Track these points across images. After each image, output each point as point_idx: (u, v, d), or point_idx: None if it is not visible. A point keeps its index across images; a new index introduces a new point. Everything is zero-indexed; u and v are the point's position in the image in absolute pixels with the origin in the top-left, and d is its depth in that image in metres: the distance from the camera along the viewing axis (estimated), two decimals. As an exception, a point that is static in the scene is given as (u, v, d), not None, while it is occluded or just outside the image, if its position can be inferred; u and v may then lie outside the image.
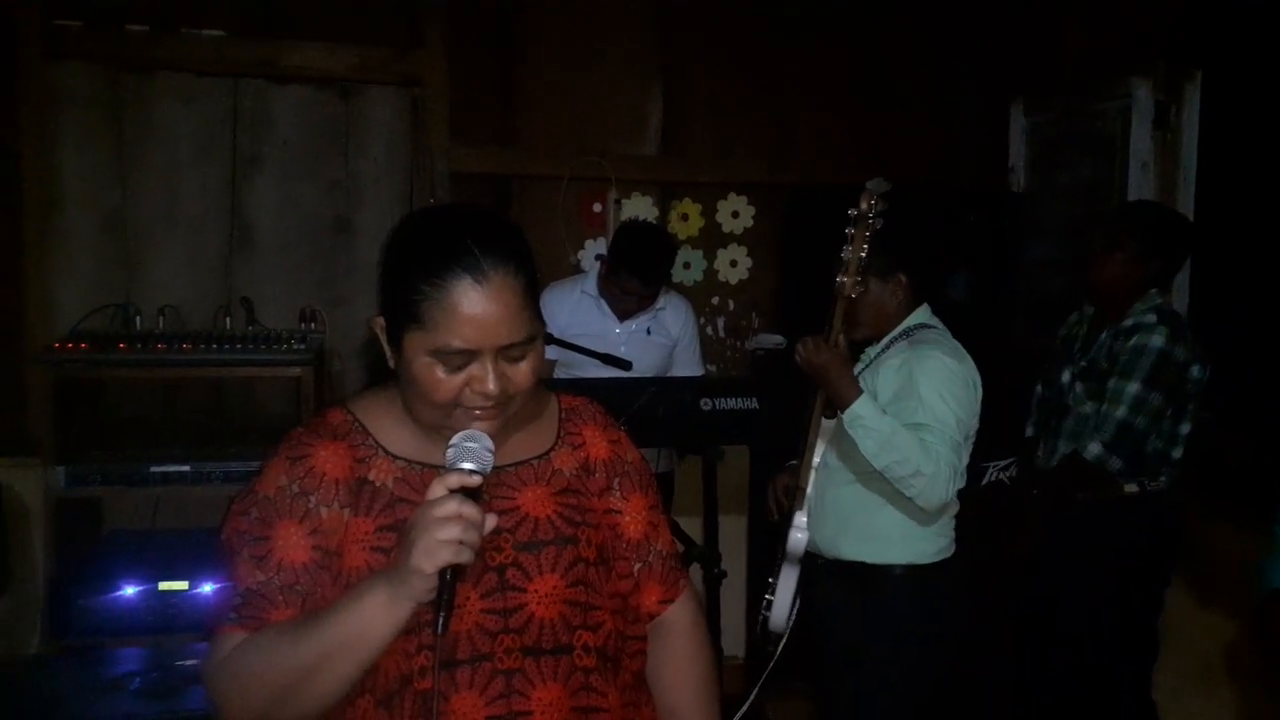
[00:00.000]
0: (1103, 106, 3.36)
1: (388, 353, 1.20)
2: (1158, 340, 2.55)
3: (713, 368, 3.78)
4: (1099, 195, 3.36)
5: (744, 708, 2.39)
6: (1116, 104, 3.29)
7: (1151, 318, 2.60)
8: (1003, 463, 3.04)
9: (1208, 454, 2.88)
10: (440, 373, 1.14)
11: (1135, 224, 2.67)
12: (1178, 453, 2.63)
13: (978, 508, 2.54)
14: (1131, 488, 2.63)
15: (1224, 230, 3.18)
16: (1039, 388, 2.91)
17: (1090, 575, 2.65)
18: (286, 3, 3.35)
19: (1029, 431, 2.92)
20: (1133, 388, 2.54)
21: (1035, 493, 2.74)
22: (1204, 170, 3.22)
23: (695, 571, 2.81)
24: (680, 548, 2.77)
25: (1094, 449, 2.58)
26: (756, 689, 2.36)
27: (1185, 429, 2.62)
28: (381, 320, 1.20)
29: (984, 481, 3.05)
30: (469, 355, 1.13)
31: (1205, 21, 3.08)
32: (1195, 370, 2.58)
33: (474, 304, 1.11)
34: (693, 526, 2.84)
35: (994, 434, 2.77)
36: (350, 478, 1.20)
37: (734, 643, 2.98)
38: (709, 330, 3.84)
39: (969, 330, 2.38)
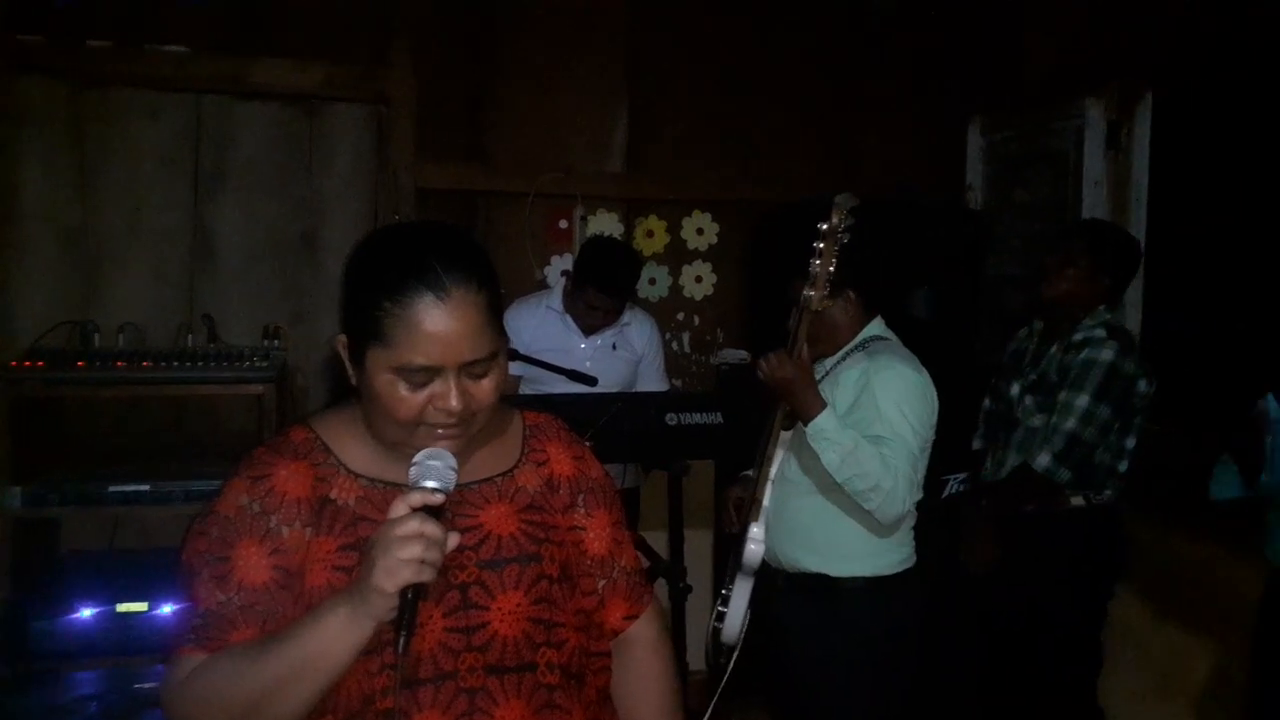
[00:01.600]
0: (1057, 126, 3.43)
1: (350, 370, 1.20)
2: (1107, 354, 2.60)
3: (678, 383, 3.80)
4: (1055, 212, 3.43)
5: (704, 721, 2.39)
6: (1070, 124, 3.37)
7: (1101, 332, 2.66)
8: (962, 475, 3.08)
9: (1161, 467, 2.94)
10: (403, 390, 1.14)
11: (1086, 242, 2.73)
12: (1124, 466, 2.69)
13: (939, 520, 2.58)
14: (1078, 500, 2.68)
15: (1174, 248, 3.26)
16: (987, 401, 2.96)
17: (1035, 586, 2.69)
18: (252, 19, 3.33)
19: (976, 444, 2.96)
20: (1082, 400, 2.59)
21: (983, 504, 2.78)
22: (1154, 189, 3.30)
23: (661, 586, 2.82)
24: (646, 563, 2.80)
25: (1043, 460, 2.62)
26: (714, 703, 2.36)
27: (1131, 443, 2.67)
28: (343, 337, 1.20)
29: (945, 494, 3.09)
30: (431, 372, 1.14)
31: (1155, 44, 3.16)
32: (1142, 385, 2.64)
33: (436, 321, 1.12)
34: (659, 541, 2.84)
35: (956, 447, 2.82)
36: (312, 496, 1.19)
37: (699, 657, 2.98)
38: (674, 346, 3.86)
39: (931, 345, 2.41)
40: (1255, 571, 2.35)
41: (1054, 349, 2.73)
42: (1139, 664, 3.00)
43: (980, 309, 3.80)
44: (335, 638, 1.07)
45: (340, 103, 3.45)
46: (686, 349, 3.90)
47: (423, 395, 1.15)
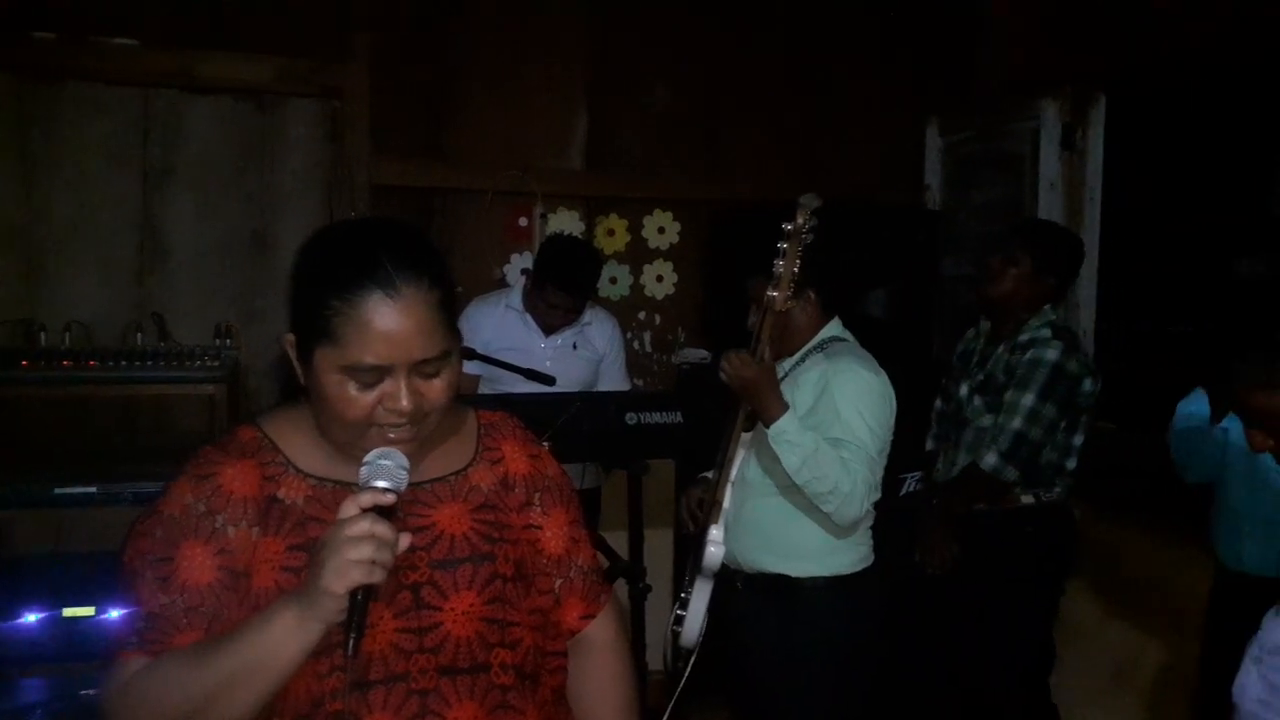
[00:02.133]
0: (1013, 128, 3.48)
1: (298, 369, 1.18)
2: (1052, 354, 2.63)
3: (639, 382, 3.79)
4: (1011, 213, 3.47)
5: (662, 722, 2.38)
6: (1026, 125, 3.41)
7: (1046, 332, 2.69)
8: (918, 474, 3.11)
9: (1112, 465, 2.98)
10: (352, 390, 1.12)
11: (1028, 241, 2.76)
12: (1071, 464, 2.72)
13: (897, 518, 2.60)
14: (1027, 498, 2.71)
15: (1127, 248, 3.31)
16: (938, 401, 2.98)
17: (988, 584, 2.71)
18: (202, 12, 3.28)
19: (929, 445, 2.99)
20: (1028, 400, 2.62)
21: (935, 503, 2.81)
22: (1108, 189, 3.36)
23: (620, 586, 2.81)
24: (605, 563, 2.79)
25: (990, 459, 2.65)
26: (672, 703, 2.36)
27: (1078, 441, 2.71)
28: (291, 336, 1.17)
29: (902, 492, 3.11)
30: (381, 372, 1.12)
31: (1108, 48, 3.21)
32: (1087, 384, 2.67)
33: (386, 319, 1.10)
34: (619, 541, 2.83)
35: (912, 445, 2.84)
36: (259, 496, 1.17)
37: (659, 658, 2.98)
38: (635, 345, 3.85)
39: (889, 345, 2.43)
40: (1203, 569, 2.40)
41: (1001, 349, 2.76)
42: (1090, 661, 3.04)
43: (937, 308, 3.84)
44: (283, 640, 1.05)
45: (294, 97, 3.41)
46: (648, 348, 3.90)
47: (373, 395, 1.13)
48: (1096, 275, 3.29)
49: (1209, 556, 2.37)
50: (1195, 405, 2.31)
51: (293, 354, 1.18)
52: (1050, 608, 2.80)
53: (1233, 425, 2.16)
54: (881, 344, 2.41)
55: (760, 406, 2.17)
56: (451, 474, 1.26)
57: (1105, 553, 3.04)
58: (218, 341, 3.14)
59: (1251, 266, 2.06)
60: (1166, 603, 2.85)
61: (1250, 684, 1.54)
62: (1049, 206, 3.33)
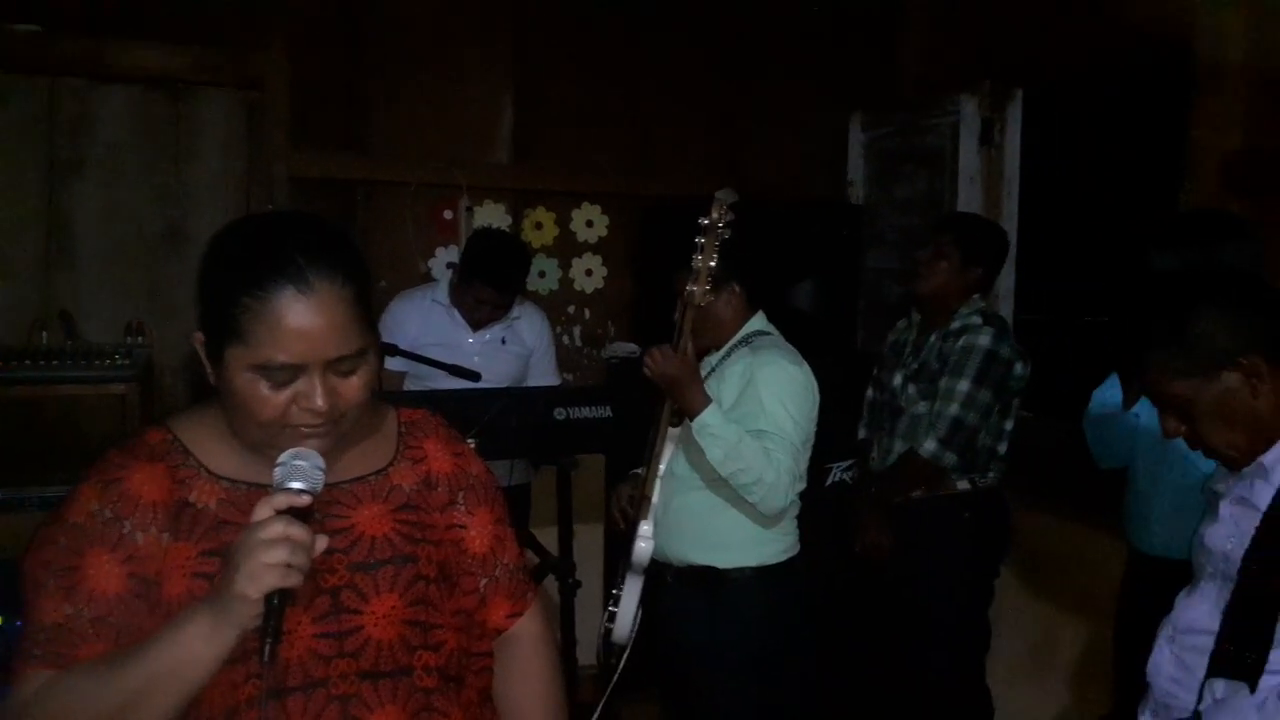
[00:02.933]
0: (934, 123, 3.54)
1: (208, 369, 1.14)
2: (984, 340, 2.69)
3: (569, 377, 3.77)
4: (932, 207, 3.54)
5: (594, 718, 2.38)
6: (946, 120, 3.48)
7: (977, 319, 2.75)
8: (845, 463, 3.15)
9: (1031, 451, 3.06)
10: (264, 389, 1.09)
11: (955, 235, 2.82)
12: (1004, 448, 2.79)
13: (823, 507, 2.63)
14: (963, 484, 2.76)
15: (1044, 240, 3.40)
16: (870, 391, 3.03)
17: (925, 569, 2.77)
18: (112, -3, 3.16)
19: (861, 434, 3.03)
20: (963, 385, 2.68)
21: (872, 491, 2.85)
22: (1026, 183, 3.44)
23: (550, 582, 2.80)
24: (535, 559, 2.77)
25: (929, 446, 2.70)
26: (604, 699, 2.36)
27: (1010, 425, 2.78)
28: (201, 335, 1.14)
29: (828, 482, 3.16)
30: (295, 370, 1.09)
31: (1025, 44, 3.29)
32: (1018, 368, 2.74)
33: (298, 316, 1.07)
34: (550, 537, 2.82)
35: (837, 436, 2.88)
36: (169, 500, 1.13)
37: (590, 653, 2.97)
38: (565, 339, 3.84)
39: (813, 337, 2.46)
40: (1117, 552, 2.47)
41: (933, 338, 2.81)
42: (1016, 641, 3.12)
43: (861, 301, 3.90)
44: (196, 648, 1.02)
45: (209, 87, 3.31)
46: (577, 342, 3.88)
47: (286, 394, 1.10)
48: (1014, 267, 3.37)
49: (1123, 540, 2.45)
50: (1110, 391, 2.38)
51: (202, 353, 1.14)
52: (987, 591, 2.86)
53: (1143, 411, 2.23)
54: (807, 336, 2.44)
55: (684, 400, 2.18)
56: (371, 474, 1.23)
57: (1025, 537, 3.12)
58: (129, 339, 3.03)
59: (1162, 260, 2.13)
60: (1083, 585, 2.94)
61: (1163, 663, 1.59)
62: (969, 200, 3.40)
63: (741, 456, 2.14)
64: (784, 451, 2.18)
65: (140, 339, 3.04)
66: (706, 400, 2.17)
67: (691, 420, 2.18)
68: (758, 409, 2.21)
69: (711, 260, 2.17)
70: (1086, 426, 2.45)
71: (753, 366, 2.27)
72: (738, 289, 2.35)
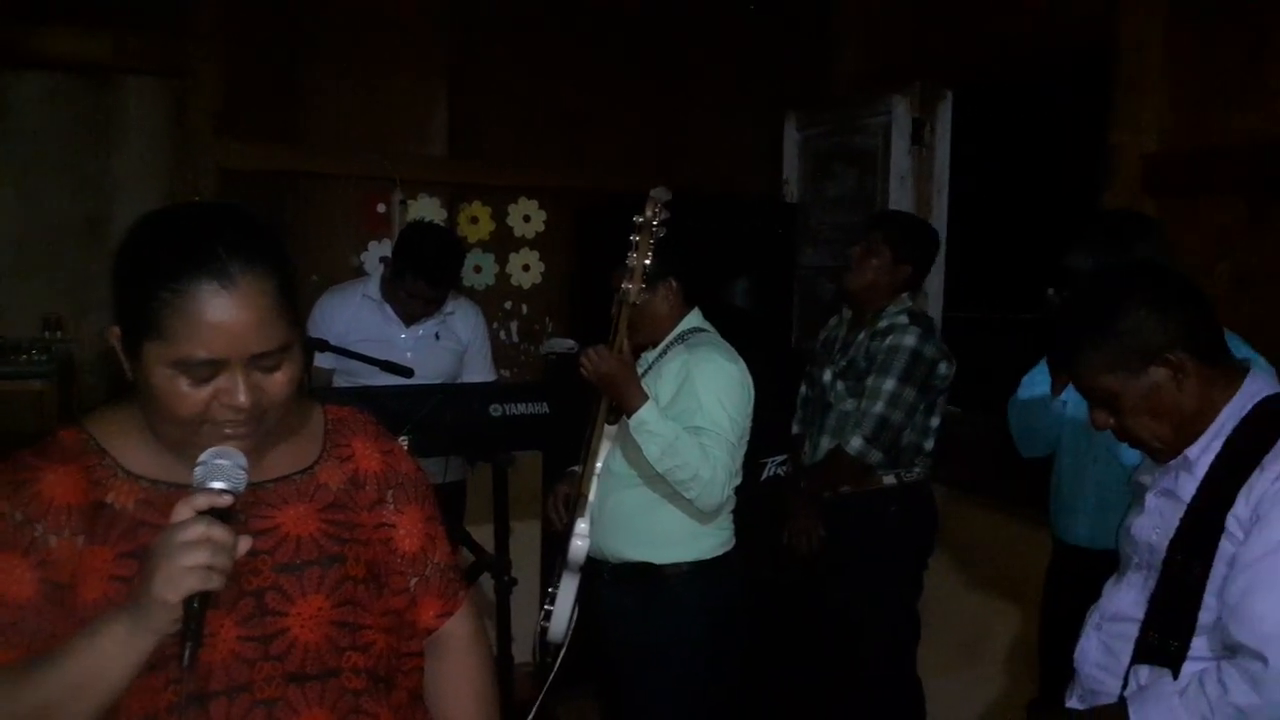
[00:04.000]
0: (866, 122, 3.59)
1: (125, 364, 1.10)
2: (910, 340, 2.74)
3: (506, 372, 3.74)
4: (865, 205, 3.59)
5: (530, 717, 2.37)
6: (878, 120, 3.53)
7: (904, 319, 2.80)
8: (780, 458, 3.18)
9: (959, 445, 3.12)
10: (184, 385, 1.05)
11: (886, 233, 2.87)
12: (929, 444, 2.84)
13: (758, 502, 2.65)
14: (890, 479, 2.81)
15: (972, 239, 3.47)
16: (803, 387, 3.07)
17: (855, 562, 2.81)
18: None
19: (795, 429, 3.07)
20: (889, 384, 2.72)
21: (802, 486, 2.89)
22: (955, 182, 3.51)
23: (486, 580, 2.77)
24: (471, 557, 2.74)
25: (855, 443, 2.74)
26: (541, 697, 2.35)
27: (935, 422, 2.83)
28: (117, 329, 1.10)
29: (764, 476, 3.18)
30: (216, 366, 1.05)
31: (955, 46, 3.35)
32: (943, 367, 2.79)
33: (219, 311, 1.03)
34: (486, 534, 2.79)
35: (772, 431, 2.90)
36: (85, 502, 1.10)
37: (526, 650, 2.95)
38: (502, 335, 3.81)
39: (749, 333, 2.47)
40: (1044, 544, 2.53)
41: (861, 336, 2.85)
42: (946, 632, 3.18)
43: (796, 298, 3.93)
44: (112, 654, 0.99)
45: (134, 74, 3.21)
46: (515, 338, 3.85)
47: (206, 391, 1.06)
48: (943, 265, 3.44)
49: (1049, 531, 2.51)
50: (1039, 378, 2.43)
51: (119, 348, 1.10)
52: (916, 583, 2.92)
53: (1070, 405, 2.29)
54: (743, 333, 2.46)
55: (621, 398, 2.18)
56: (297, 473, 1.21)
57: (954, 530, 3.18)
58: (46, 334, 2.93)
59: (1078, 260, 2.19)
60: (1011, 576, 3.01)
61: (1090, 649, 1.63)
62: (899, 199, 3.46)
63: (678, 453, 2.15)
64: (720, 448, 2.20)
65: (59, 334, 2.95)
66: (644, 398, 2.18)
67: (629, 418, 2.18)
68: (694, 406, 2.22)
69: (646, 258, 2.18)
70: (1011, 413, 2.49)
71: (689, 364, 2.27)
72: (674, 284, 2.36)
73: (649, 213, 2.18)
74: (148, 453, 1.14)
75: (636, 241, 2.18)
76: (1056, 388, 2.35)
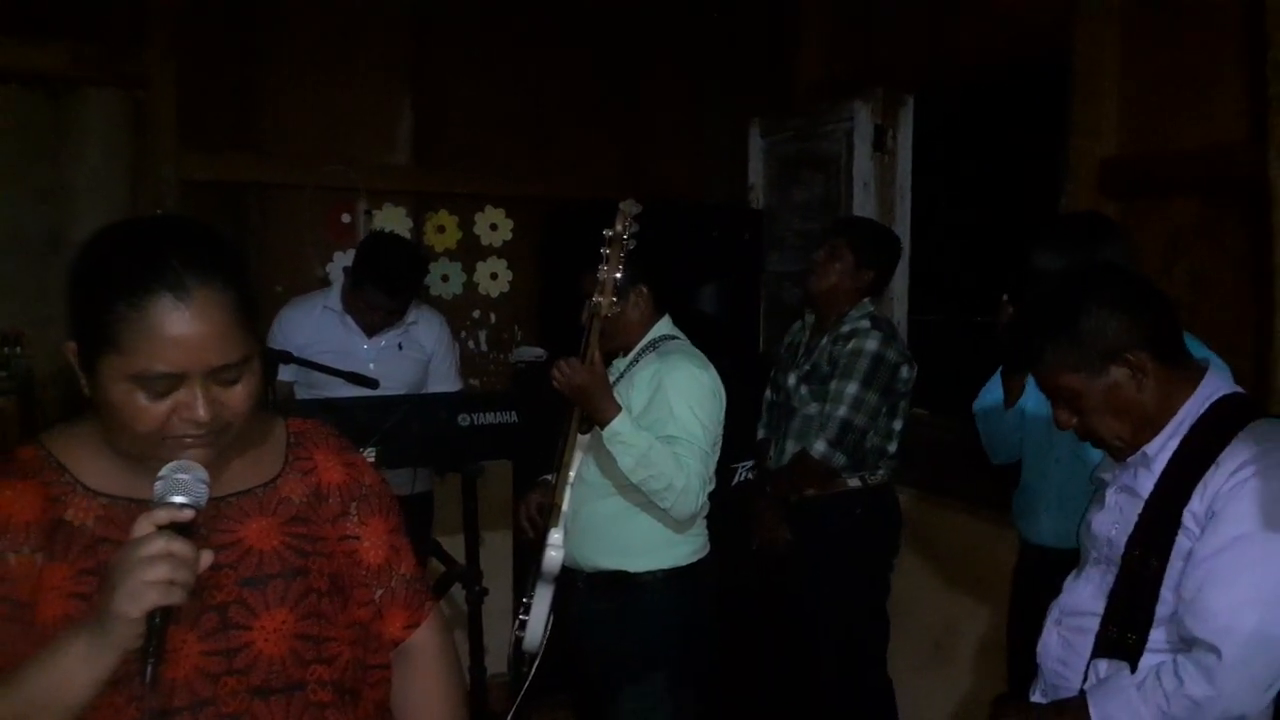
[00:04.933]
0: (829, 129, 3.62)
1: (82, 380, 1.09)
2: (872, 344, 2.77)
3: (475, 382, 3.73)
4: (829, 211, 3.61)
5: (506, 726, 2.36)
6: (841, 127, 3.56)
7: (866, 323, 2.83)
8: (749, 463, 3.19)
9: (925, 447, 3.15)
10: (142, 400, 1.05)
11: (849, 238, 2.90)
12: (893, 447, 2.88)
13: (729, 507, 2.66)
14: (854, 482, 2.84)
15: (935, 243, 3.51)
16: (768, 392, 3.09)
17: (822, 564, 2.84)
18: (-18, -8, 3.00)
19: (761, 434, 3.09)
20: (852, 388, 2.75)
21: (768, 490, 2.91)
22: (917, 187, 3.55)
23: (458, 590, 2.76)
24: (442, 568, 2.73)
25: (820, 447, 2.77)
26: (515, 706, 2.34)
27: (898, 425, 2.87)
28: (74, 344, 1.09)
29: (734, 481, 3.19)
30: (174, 380, 1.05)
31: (915, 52, 3.39)
32: (905, 371, 2.83)
33: (177, 324, 1.03)
34: (455, 545, 2.78)
35: (742, 436, 2.92)
36: (43, 519, 1.08)
37: (499, 660, 2.94)
38: (470, 344, 3.79)
39: (717, 339, 2.48)
40: (1011, 543, 2.56)
41: (824, 340, 2.88)
42: (915, 633, 3.21)
43: (762, 304, 3.96)
44: (72, 672, 0.98)
45: (90, 85, 3.15)
46: (484, 347, 3.84)
47: (165, 405, 1.06)
48: (907, 269, 3.47)
49: (1013, 529, 2.54)
50: (994, 391, 2.46)
51: (75, 363, 1.09)
52: (883, 584, 2.94)
53: (1032, 399, 2.32)
54: (711, 338, 2.47)
55: (594, 410, 2.18)
56: (259, 486, 1.20)
57: (923, 531, 3.21)
58: (5, 349, 2.88)
59: (1045, 259, 2.22)
60: (979, 576, 3.04)
61: (1051, 644, 1.66)
62: (862, 205, 3.48)
63: (652, 463, 2.15)
64: (694, 456, 2.20)
65: (18, 349, 2.89)
66: (617, 408, 2.18)
67: (602, 429, 2.18)
68: (667, 415, 2.23)
69: (617, 272, 2.19)
70: (978, 424, 2.53)
71: (661, 372, 2.28)
72: (645, 290, 2.36)
73: (619, 226, 2.18)
74: (107, 468, 1.13)
75: (607, 254, 2.19)
76: (1009, 398, 2.38)
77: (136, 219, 1.23)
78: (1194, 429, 1.52)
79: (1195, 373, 1.56)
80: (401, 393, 2.86)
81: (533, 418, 2.74)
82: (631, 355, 2.39)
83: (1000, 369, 2.43)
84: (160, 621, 0.98)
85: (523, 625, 2.34)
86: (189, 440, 1.07)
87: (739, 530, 2.84)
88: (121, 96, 3.20)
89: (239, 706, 1.10)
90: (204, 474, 1.06)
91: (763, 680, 3.13)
